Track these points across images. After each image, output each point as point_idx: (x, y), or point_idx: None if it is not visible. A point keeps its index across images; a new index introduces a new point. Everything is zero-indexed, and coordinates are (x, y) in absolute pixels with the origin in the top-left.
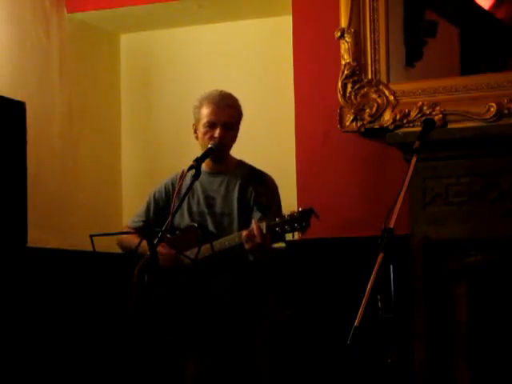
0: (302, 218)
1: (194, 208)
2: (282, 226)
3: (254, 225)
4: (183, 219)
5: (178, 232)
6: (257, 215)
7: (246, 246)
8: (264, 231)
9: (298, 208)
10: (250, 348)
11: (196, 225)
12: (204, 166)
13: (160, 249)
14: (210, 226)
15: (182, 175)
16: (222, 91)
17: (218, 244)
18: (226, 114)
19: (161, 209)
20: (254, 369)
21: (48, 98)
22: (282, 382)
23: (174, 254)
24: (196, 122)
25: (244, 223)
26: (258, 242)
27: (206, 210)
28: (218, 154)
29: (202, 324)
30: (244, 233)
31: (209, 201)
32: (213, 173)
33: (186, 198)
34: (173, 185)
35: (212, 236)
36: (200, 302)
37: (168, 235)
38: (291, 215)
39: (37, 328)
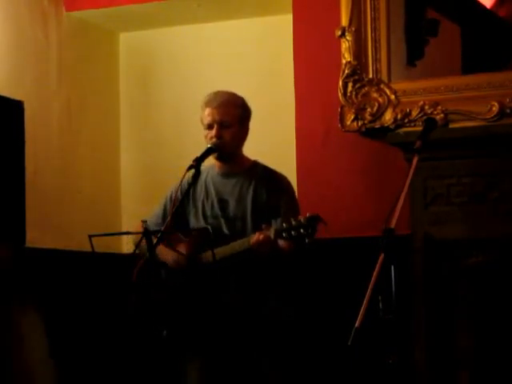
0: (308, 225)
1: (208, 212)
2: (289, 231)
3: (261, 234)
4: (198, 222)
5: (192, 233)
6: (274, 222)
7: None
8: (272, 237)
9: (306, 214)
10: (252, 349)
11: (209, 227)
12: (216, 168)
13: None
14: (224, 229)
15: (184, 176)
16: (218, 91)
17: (229, 249)
18: (221, 113)
19: (177, 209)
20: (258, 370)
21: (46, 97)
22: (282, 383)
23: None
24: (202, 125)
25: (257, 227)
26: (265, 250)
27: (219, 213)
28: (221, 152)
29: (204, 325)
30: (252, 240)
31: (222, 204)
32: (226, 174)
33: (201, 201)
34: (188, 184)
35: (226, 239)
36: (201, 303)
37: (182, 236)
38: (298, 221)
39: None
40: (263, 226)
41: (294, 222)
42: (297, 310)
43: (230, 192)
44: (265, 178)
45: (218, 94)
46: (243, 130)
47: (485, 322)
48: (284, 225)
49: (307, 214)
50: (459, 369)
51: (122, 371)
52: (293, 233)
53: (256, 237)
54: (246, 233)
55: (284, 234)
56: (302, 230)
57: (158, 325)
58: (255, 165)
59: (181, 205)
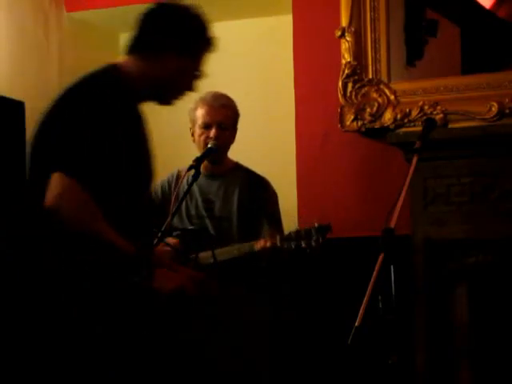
0: (318, 235)
1: (193, 211)
2: (298, 240)
3: (267, 241)
4: (182, 222)
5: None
6: (266, 227)
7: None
8: (278, 244)
9: (315, 223)
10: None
11: (193, 228)
12: (201, 169)
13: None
14: (210, 229)
15: (180, 175)
16: (216, 92)
17: (227, 252)
18: (221, 114)
19: (157, 208)
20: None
21: (47, 98)
22: (282, 383)
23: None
24: (192, 125)
25: (243, 227)
26: (270, 256)
27: (204, 214)
28: (217, 154)
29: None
30: (257, 246)
31: (208, 204)
32: (210, 175)
33: (184, 201)
34: (169, 184)
35: (213, 239)
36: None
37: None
38: (307, 230)
39: (36, 328)
40: (269, 231)
41: (303, 232)
42: (296, 310)
43: (215, 193)
44: (249, 180)
45: (216, 94)
46: (235, 133)
47: (485, 322)
48: (292, 234)
49: (316, 224)
50: (459, 369)
51: (122, 371)
52: (302, 243)
53: (262, 244)
54: (231, 233)
55: (292, 244)
56: (312, 242)
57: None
58: (238, 166)
59: (163, 204)
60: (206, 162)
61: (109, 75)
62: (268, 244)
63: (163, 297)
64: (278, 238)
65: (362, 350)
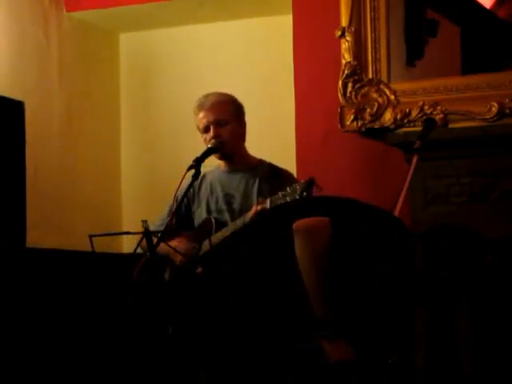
0: (302, 190)
1: (213, 206)
2: (284, 198)
3: (257, 206)
4: (202, 217)
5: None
6: None
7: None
8: (267, 206)
9: (301, 180)
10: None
11: (212, 217)
12: (221, 167)
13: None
14: (229, 223)
15: (204, 177)
16: (208, 93)
17: (231, 226)
18: (214, 113)
19: (179, 209)
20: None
21: (47, 98)
22: (280, 382)
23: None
24: (199, 132)
25: None
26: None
27: (224, 207)
28: (222, 152)
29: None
30: (249, 215)
31: (228, 198)
32: (231, 171)
33: (205, 198)
34: (188, 184)
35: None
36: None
37: (186, 232)
38: (292, 187)
39: (36, 328)
40: (259, 199)
41: (288, 189)
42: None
43: (235, 187)
44: (269, 173)
45: (208, 95)
46: (240, 125)
47: (485, 322)
48: (280, 194)
49: (302, 181)
50: (459, 369)
51: (122, 371)
52: (288, 199)
53: (253, 209)
54: None
55: (280, 202)
56: (296, 196)
57: (163, 324)
58: (261, 162)
59: (186, 207)
60: (223, 161)
61: None
62: (259, 208)
63: None
64: (267, 201)
65: (362, 349)
